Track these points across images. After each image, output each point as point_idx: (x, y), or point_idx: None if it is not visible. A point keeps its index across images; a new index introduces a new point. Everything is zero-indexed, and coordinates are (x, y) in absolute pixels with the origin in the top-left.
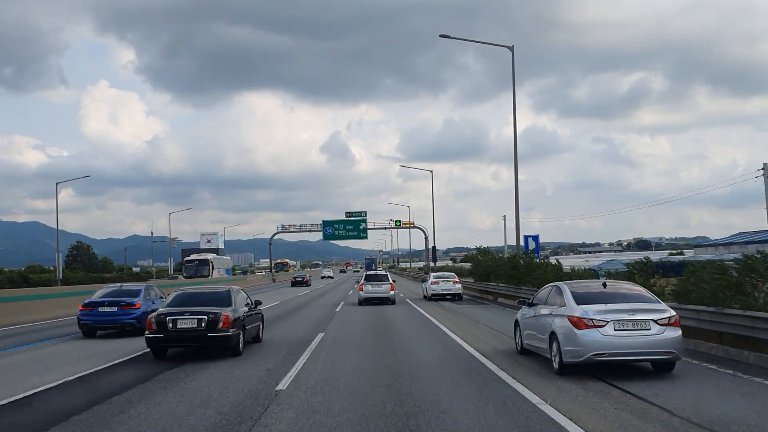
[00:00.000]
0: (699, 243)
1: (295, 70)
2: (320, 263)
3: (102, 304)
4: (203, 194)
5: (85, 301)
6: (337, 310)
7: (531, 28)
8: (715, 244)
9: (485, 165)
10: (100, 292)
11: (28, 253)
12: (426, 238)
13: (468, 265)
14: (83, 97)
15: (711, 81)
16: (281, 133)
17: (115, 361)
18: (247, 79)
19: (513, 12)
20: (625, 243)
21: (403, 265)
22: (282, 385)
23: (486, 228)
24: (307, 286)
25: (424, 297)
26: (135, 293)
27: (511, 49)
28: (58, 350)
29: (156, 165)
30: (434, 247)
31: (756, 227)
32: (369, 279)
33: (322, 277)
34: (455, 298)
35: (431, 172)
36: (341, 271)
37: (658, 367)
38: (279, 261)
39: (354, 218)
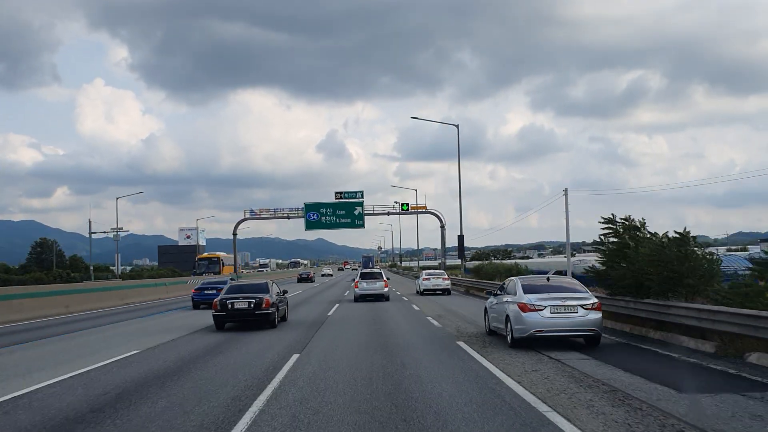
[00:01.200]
0: (699, 242)
1: (290, 68)
2: (302, 262)
3: (206, 288)
4: (200, 193)
5: (196, 287)
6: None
7: (527, 25)
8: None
9: (482, 164)
10: (204, 281)
11: (24, 252)
12: (442, 227)
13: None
14: (77, 95)
15: (708, 79)
16: (277, 132)
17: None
18: (241, 76)
19: (509, 9)
20: None
21: (410, 264)
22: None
23: (485, 228)
24: (312, 282)
25: (417, 292)
26: (224, 283)
27: (457, 127)
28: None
29: (151, 163)
30: (461, 237)
31: (752, 227)
32: (364, 276)
33: (323, 275)
34: (444, 292)
35: (457, 126)
36: (339, 269)
37: (588, 342)
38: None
39: (347, 200)
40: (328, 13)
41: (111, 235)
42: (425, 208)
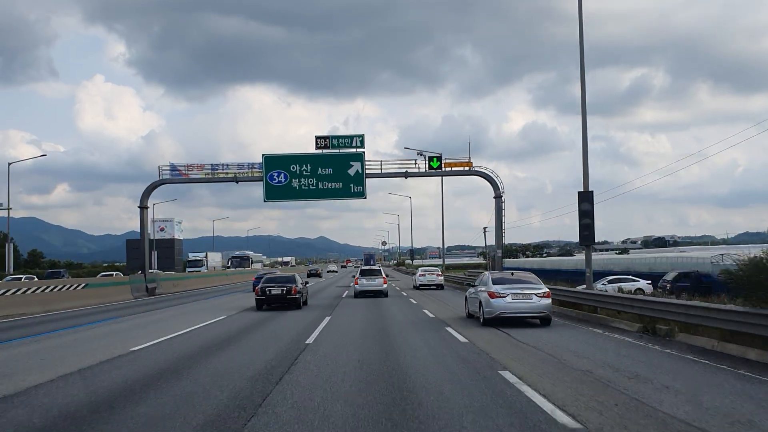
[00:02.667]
0: (706, 241)
1: (289, 63)
2: (289, 260)
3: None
4: (200, 190)
5: (256, 275)
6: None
7: (529, 20)
8: None
9: (485, 162)
10: (259, 273)
11: (25, 248)
12: (499, 197)
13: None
14: (76, 91)
15: (713, 77)
16: (277, 129)
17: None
18: (239, 72)
19: (510, 3)
20: (639, 241)
21: (424, 261)
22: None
23: (485, 225)
24: (320, 277)
25: (413, 287)
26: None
27: (440, 158)
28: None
29: (151, 160)
30: (496, 235)
31: (756, 227)
32: (364, 273)
33: (328, 271)
34: (438, 287)
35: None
36: (342, 266)
37: (541, 323)
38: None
39: (335, 151)
40: (327, 8)
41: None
42: (470, 164)
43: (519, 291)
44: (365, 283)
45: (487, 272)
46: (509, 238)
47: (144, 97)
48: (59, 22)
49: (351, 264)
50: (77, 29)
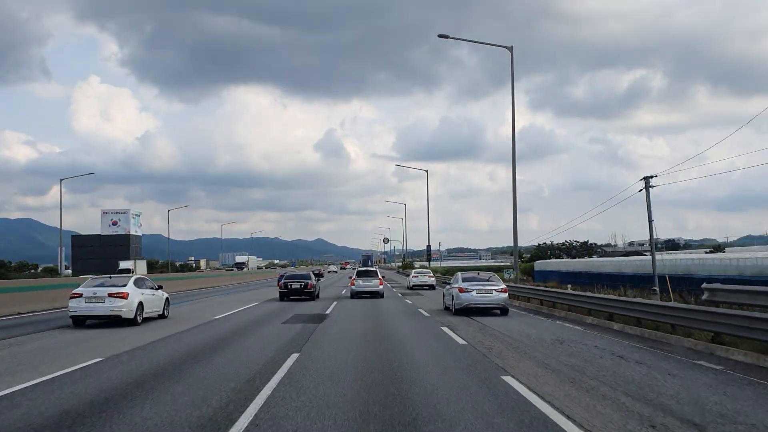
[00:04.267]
0: (712, 244)
1: (283, 64)
2: (277, 263)
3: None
4: (196, 192)
5: (281, 273)
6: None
7: (527, 21)
8: None
9: (482, 165)
10: (287, 271)
11: (21, 250)
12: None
13: None
14: (67, 91)
15: (711, 79)
16: (273, 131)
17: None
18: (238, 72)
19: (509, 3)
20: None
21: (443, 264)
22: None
23: (484, 229)
24: (322, 276)
25: (407, 287)
26: (307, 275)
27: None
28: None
29: (147, 162)
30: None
31: (755, 231)
32: (360, 274)
33: (329, 272)
34: (430, 287)
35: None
36: (341, 268)
37: (501, 312)
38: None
39: None
40: (320, 7)
41: None
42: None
43: (482, 287)
44: (361, 285)
45: (459, 273)
46: (511, 240)
47: (140, 99)
48: (49, 21)
49: (349, 266)
50: (68, 28)
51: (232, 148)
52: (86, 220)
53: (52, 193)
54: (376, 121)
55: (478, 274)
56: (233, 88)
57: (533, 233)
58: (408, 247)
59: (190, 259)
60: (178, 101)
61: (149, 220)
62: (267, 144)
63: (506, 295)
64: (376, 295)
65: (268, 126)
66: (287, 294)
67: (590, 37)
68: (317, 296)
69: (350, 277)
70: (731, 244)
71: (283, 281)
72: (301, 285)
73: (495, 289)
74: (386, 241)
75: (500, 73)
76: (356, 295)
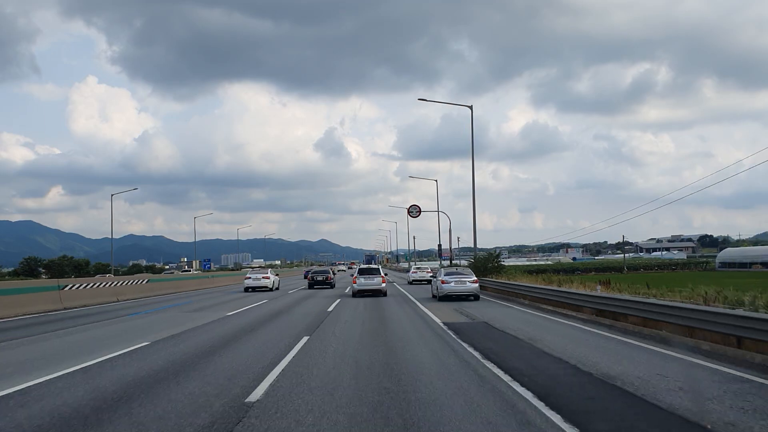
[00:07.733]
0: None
1: (279, 59)
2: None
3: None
4: (197, 193)
5: (307, 269)
6: (348, 288)
7: (528, 11)
8: None
9: (485, 163)
10: (313, 268)
11: (21, 252)
12: None
13: None
14: (65, 92)
15: (717, 73)
16: (273, 130)
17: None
18: (228, 68)
19: None
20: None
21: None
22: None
23: (488, 228)
24: (335, 274)
25: (408, 282)
26: (326, 270)
27: (471, 108)
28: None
29: (146, 162)
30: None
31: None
32: (362, 272)
33: (338, 270)
34: (428, 282)
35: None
36: (348, 267)
37: (474, 299)
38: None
39: None
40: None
41: None
42: None
43: (458, 279)
44: (363, 282)
45: (442, 268)
46: (515, 239)
47: (135, 97)
48: (36, 16)
49: (355, 266)
50: (55, 24)
51: (232, 148)
52: (87, 220)
53: (50, 195)
54: (377, 120)
55: (456, 269)
56: (227, 86)
57: (537, 232)
58: (416, 248)
59: (182, 260)
60: (172, 99)
61: (152, 222)
62: (267, 144)
63: (477, 285)
64: (378, 293)
65: (268, 125)
66: (313, 284)
67: (594, 29)
68: (334, 286)
69: (352, 275)
70: (746, 242)
71: (310, 275)
72: (323, 277)
73: (468, 281)
74: (386, 236)
75: (502, 66)
76: (358, 293)
